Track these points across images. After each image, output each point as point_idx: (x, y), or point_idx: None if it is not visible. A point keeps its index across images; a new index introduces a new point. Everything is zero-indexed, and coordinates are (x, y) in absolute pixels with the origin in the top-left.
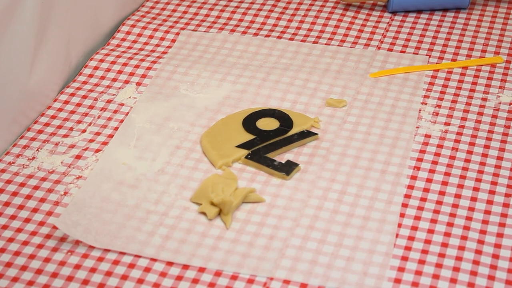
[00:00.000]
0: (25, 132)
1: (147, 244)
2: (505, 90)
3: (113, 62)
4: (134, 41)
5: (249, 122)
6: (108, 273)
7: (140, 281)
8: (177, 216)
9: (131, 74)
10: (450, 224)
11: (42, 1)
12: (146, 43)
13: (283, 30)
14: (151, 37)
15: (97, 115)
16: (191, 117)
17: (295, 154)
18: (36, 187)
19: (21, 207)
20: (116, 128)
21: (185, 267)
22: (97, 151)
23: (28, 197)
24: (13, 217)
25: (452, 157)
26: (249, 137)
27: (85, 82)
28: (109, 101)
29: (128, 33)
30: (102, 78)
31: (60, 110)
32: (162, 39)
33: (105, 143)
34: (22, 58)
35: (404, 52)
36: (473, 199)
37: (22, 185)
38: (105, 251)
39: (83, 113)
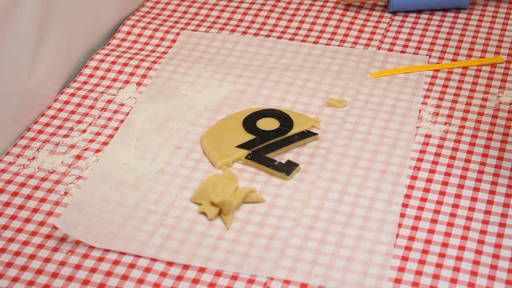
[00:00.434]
0: (25, 132)
1: (147, 244)
2: (505, 90)
3: (113, 62)
4: (135, 41)
5: (249, 122)
6: (108, 273)
7: (140, 281)
8: (177, 216)
9: (131, 74)
10: (450, 224)
11: (42, 1)
12: (146, 43)
13: (283, 30)
14: (151, 37)
15: (97, 115)
16: (191, 117)
17: (295, 154)
18: (36, 187)
19: (21, 207)
20: (116, 128)
21: (185, 267)
22: (97, 151)
23: (28, 197)
24: (13, 217)
25: (452, 157)
26: (249, 137)
27: (85, 82)
28: (109, 101)
29: (129, 33)
30: (102, 78)
31: (60, 110)
32: (162, 39)
33: (105, 143)
34: (22, 58)
35: (404, 52)
36: (473, 199)
37: (22, 185)
38: (105, 251)
39: (83, 113)
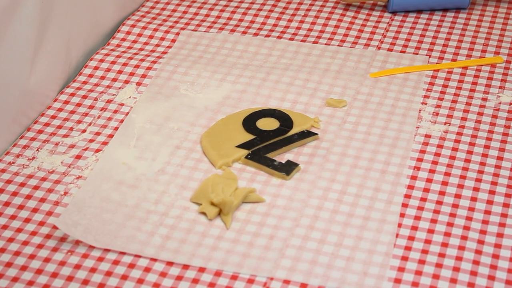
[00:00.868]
0: (25, 132)
1: (147, 244)
2: (505, 90)
3: (113, 62)
4: (134, 41)
5: (249, 122)
6: (108, 273)
7: (140, 281)
8: (177, 216)
9: (131, 74)
10: (450, 224)
11: (42, 1)
12: (146, 43)
13: (283, 30)
14: (151, 37)
15: (97, 115)
16: (191, 117)
17: (295, 154)
18: (36, 187)
19: (21, 207)
20: (116, 128)
21: (185, 267)
22: (97, 151)
23: (28, 197)
24: (13, 217)
25: (452, 157)
26: (249, 137)
27: (85, 82)
28: (109, 101)
29: (128, 33)
30: (102, 78)
31: (60, 110)
32: (162, 39)
33: (105, 143)
34: (22, 58)
35: (404, 52)
36: (473, 199)
37: (22, 185)
38: (105, 251)
39: (83, 113)
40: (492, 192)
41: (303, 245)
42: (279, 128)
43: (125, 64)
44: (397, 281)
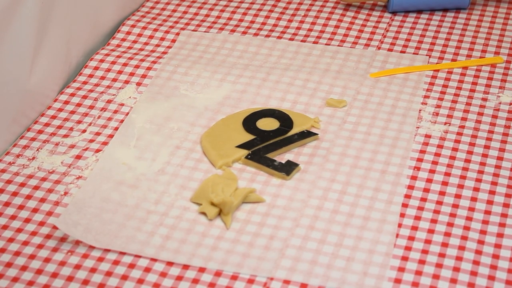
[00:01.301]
0: (25, 132)
1: (147, 244)
2: (505, 90)
3: (113, 62)
4: (134, 41)
5: (249, 122)
6: (108, 273)
7: (140, 281)
8: (177, 216)
9: (131, 74)
10: (450, 224)
11: (42, 1)
12: (146, 43)
13: (283, 30)
14: (151, 37)
15: (97, 115)
16: (191, 117)
17: (295, 154)
18: (36, 187)
19: (21, 207)
20: (116, 128)
21: (185, 267)
22: (97, 151)
23: (28, 197)
24: (13, 217)
25: (452, 157)
26: (249, 137)
27: (85, 82)
28: (109, 101)
29: (128, 33)
30: (102, 78)
31: (60, 110)
32: (162, 39)
33: (105, 143)
34: (22, 58)
35: (404, 52)
36: (473, 199)
37: (22, 185)
38: (105, 251)
39: (83, 113)
40: (492, 192)
41: (303, 245)
42: (279, 128)
43: (125, 64)
44: (397, 281)
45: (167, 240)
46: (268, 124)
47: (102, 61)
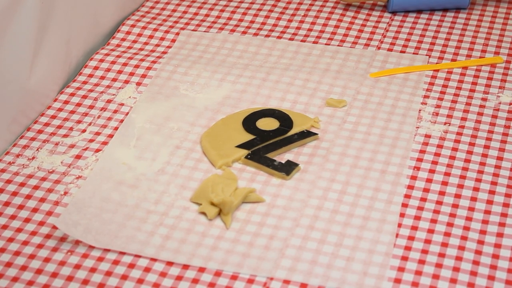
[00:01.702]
0: (25, 132)
1: (147, 244)
2: (505, 90)
3: (113, 62)
4: (134, 41)
5: (249, 122)
6: (108, 273)
7: (140, 281)
8: (177, 216)
9: (131, 74)
10: (450, 224)
11: (42, 1)
12: (146, 43)
13: (283, 30)
14: (151, 37)
15: (97, 115)
16: (191, 117)
17: (295, 154)
18: (36, 187)
19: (21, 207)
20: (116, 128)
21: (185, 267)
22: (97, 151)
23: (28, 197)
24: (13, 217)
25: (452, 157)
26: (249, 137)
27: (85, 82)
28: (109, 101)
29: (128, 33)
30: (102, 78)
31: (60, 110)
32: (162, 39)
33: (105, 143)
34: (22, 58)
35: (404, 52)
36: (473, 199)
37: (22, 185)
38: (105, 251)
39: (83, 113)
40: (492, 192)
41: (303, 245)
42: (279, 128)
43: (125, 64)
44: (397, 281)
45: (167, 240)
46: (268, 124)
47: (102, 61)
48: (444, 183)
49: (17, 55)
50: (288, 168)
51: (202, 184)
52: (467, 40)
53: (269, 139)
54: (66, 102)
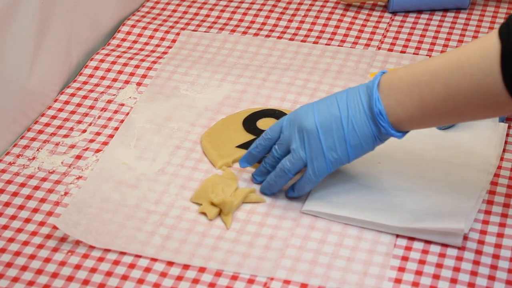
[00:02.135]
0: (26, 132)
1: (147, 244)
2: None
3: (113, 62)
4: (135, 41)
5: (250, 122)
6: (108, 273)
7: (141, 281)
8: (177, 216)
9: (132, 74)
10: None
11: (42, 1)
12: (146, 43)
13: (283, 30)
14: (151, 37)
15: (97, 115)
16: (191, 117)
17: None
18: (36, 187)
19: (21, 207)
20: (116, 128)
21: (185, 267)
22: (98, 151)
23: (29, 197)
24: (13, 217)
25: None
26: (249, 137)
27: (85, 82)
28: (109, 101)
29: (129, 33)
30: (103, 78)
31: (60, 110)
32: (162, 39)
33: (105, 143)
34: (22, 58)
35: (404, 52)
36: None
37: (23, 185)
38: (105, 251)
39: (84, 113)
40: (492, 192)
41: (303, 245)
42: None
43: (125, 64)
44: (397, 281)
45: (167, 240)
46: (268, 124)
47: (102, 61)
48: None
49: (17, 55)
50: None
51: (202, 184)
52: (467, 40)
53: None
54: (66, 102)
